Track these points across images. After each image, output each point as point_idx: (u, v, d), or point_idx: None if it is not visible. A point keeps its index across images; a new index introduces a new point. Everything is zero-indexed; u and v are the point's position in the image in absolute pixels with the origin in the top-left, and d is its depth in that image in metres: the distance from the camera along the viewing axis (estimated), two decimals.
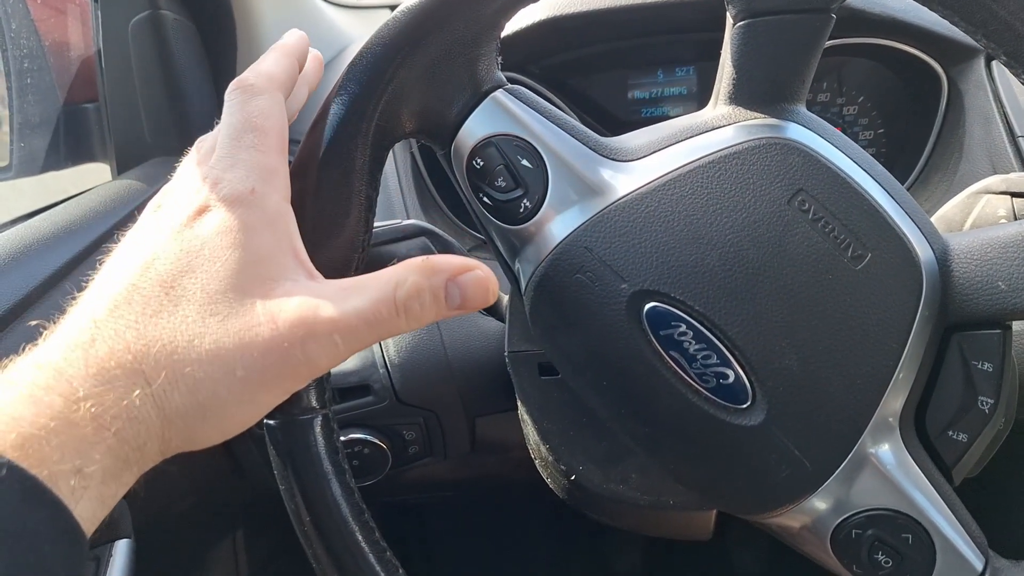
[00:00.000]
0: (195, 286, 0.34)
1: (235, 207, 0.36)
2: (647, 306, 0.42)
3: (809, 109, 0.85)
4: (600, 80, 0.88)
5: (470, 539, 1.31)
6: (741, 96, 0.44)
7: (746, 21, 0.41)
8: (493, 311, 0.62)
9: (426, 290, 0.36)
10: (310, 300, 0.35)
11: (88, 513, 0.30)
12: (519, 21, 0.79)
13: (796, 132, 0.42)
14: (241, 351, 0.33)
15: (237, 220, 0.35)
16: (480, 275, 0.37)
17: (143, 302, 0.34)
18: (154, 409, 0.33)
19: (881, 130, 0.87)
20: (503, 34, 0.46)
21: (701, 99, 0.88)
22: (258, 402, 0.35)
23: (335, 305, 0.35)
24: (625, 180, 0.44)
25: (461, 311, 0.37)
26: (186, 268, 0.34)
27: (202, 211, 0.36)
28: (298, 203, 0.41)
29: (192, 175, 0.38)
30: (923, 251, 0.42)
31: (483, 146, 0.44)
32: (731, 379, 0.42)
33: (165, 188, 0.40)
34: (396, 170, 0.81)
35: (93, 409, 0.31)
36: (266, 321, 0.34)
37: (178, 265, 0.34)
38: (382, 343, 0.73)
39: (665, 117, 0.90)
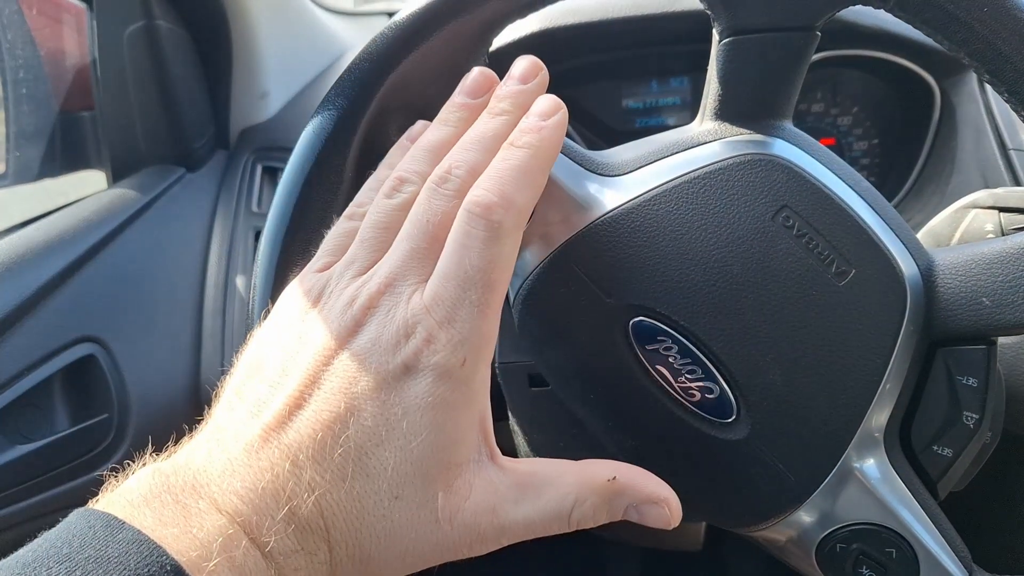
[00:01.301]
0: (388, 462, 0.33)
1: (443, 380, 0.33)
2: (633, 320, 0.43)
3: (803, 118, 0.86)
4: (594, 90, 0.88)
5: None
6: (727, 112, 0.44)
7: (731, 39, 0.42)
8: None
9: (603, 511, 0.37)
10: (487, 501, 0.34)
11: None
12: (511, 33, 0.79)
13: (781, 148, 0.43)
14: (416, 543, 0.33)
15: (441, 397, 0.33)
16: (666, 514, 0.37)
17: (340, 464, 0.32)
18: (327, 572, 0.32)
19: (875, 140, 0.88)
20: (495, 46, 0.46)
21: (696, 109, 0.88)
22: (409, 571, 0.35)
23: (509, 511, 0.35)
24: (611, 195, 0.44)
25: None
26: (383, 440, 0.33)
27: (408, 370, 0.33)
28: (284, 219, 0.41)
29: (396, 303, 0.34)
30: (907, 267, 0.42)
31: None
32: (716, 394, 0.42)
33: (345, 271, 0.37)
34: None
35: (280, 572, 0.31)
36: (444, 520, 0.33)
37: (375, 435, 0.33)
38: None
39: (660, 127, 0.91)
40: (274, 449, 0.32)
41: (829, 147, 0.87)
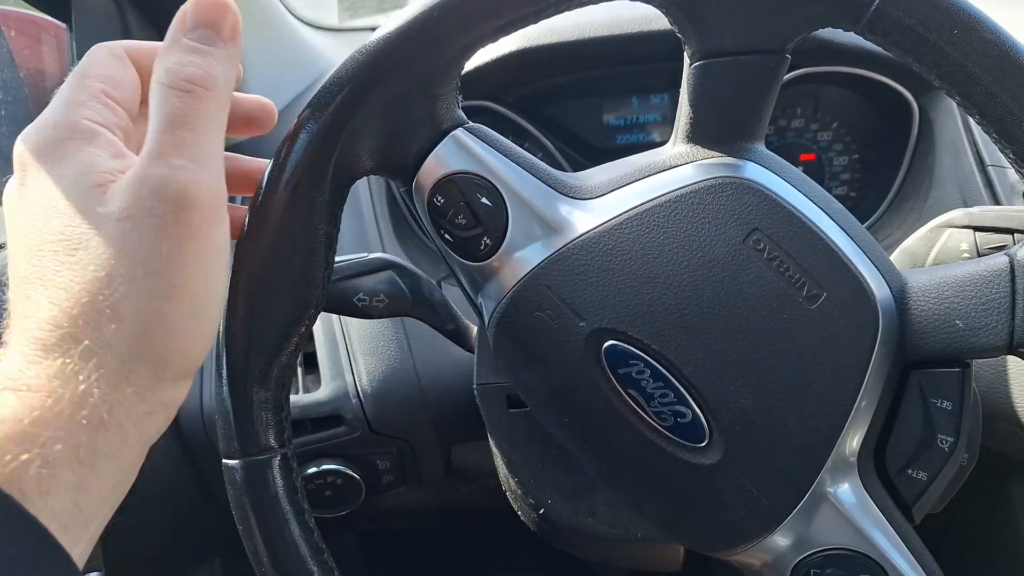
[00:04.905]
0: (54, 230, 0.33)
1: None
2: (605, 344, 0.42)
3: (784, 135, 0.86)
4: (575, 108, 0.88)
5: (453, 565, 1.30)
6: (699, 135, 0.44)
7: (701, 62, 0.42)
8: (463, 342, 0.62)
9: (182, 57, 0.35)
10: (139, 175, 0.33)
11: (60, 505, 0.30)
12: (489, 52, 0.79)
13: (752, 171, 0.43)
14: (144, 260, 0.32)
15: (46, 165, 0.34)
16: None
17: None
18: (111, 357, 0.32)
19: (856, 156, 0.88)
20: (474, 65, 0.46)
21: None
22: (193, 282, 0.34)
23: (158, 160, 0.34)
24: (584, 218, 0.44)
25: (217, 36, 0.36)
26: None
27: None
28: (257, 242, 0.41)
29: None
30: (880, 290, 0.42)
31: (443, 184, 0.44)
32: (688, 418, 0.42)
33: None
34: (371, 199, 0.81)
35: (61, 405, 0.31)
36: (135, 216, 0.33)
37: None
38: (355, 373, 0.73)
39: (641, 143, 0.91)
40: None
41: (809, 162, 0.88)
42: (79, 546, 0.31)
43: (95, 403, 0.31)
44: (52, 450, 0.29)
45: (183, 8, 0.37)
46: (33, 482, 0.29)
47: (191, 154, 0.34)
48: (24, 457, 0.29)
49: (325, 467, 0.73)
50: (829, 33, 0.77)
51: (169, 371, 0.34)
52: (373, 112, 0.42)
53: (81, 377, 0.31)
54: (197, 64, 0.35)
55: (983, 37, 0.37)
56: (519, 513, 0.61)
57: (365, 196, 0.80)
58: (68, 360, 0.31)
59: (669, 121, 0.90)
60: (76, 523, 0.30)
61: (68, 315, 0.32)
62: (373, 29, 0.44)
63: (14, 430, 0.29)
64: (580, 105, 0.88)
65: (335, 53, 1.08)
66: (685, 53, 0.43)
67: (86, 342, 0.32)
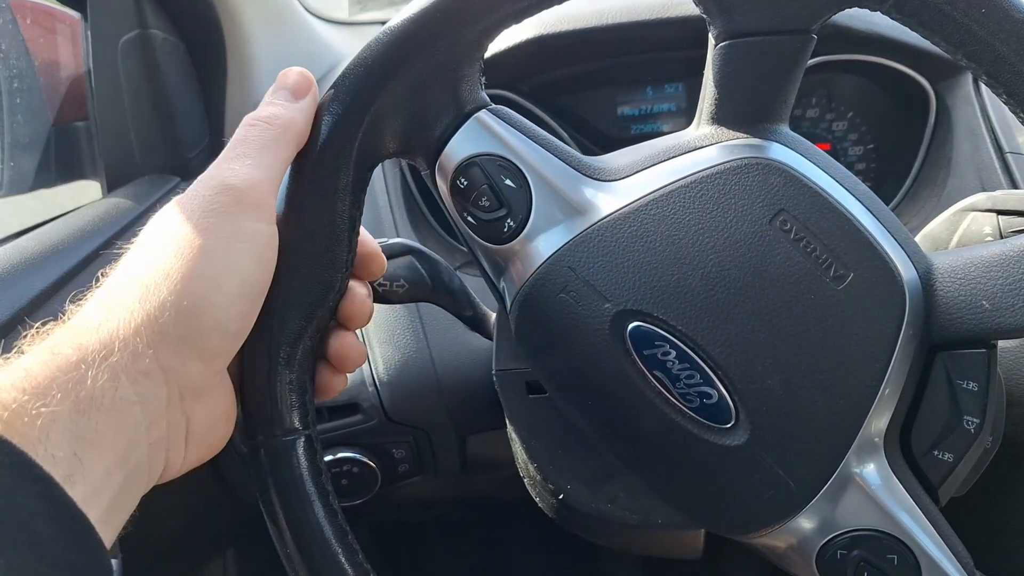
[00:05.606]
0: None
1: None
2: (630, 326, 0.42)
3: (798, 124, 0.86)
4: (589, 97, 0.88)
5: (466, 557, 1.30)
6: (723, 116, 0.44)
7: (727, 42, 0.41)
8: (481, 329, 0.62)
9: (262, 108, 0.42)
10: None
11: (60, 452, 0.31)
12: (506, 40, 0.79)
13: (778, 152, 0.42)
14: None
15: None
16: None
17: None
18: (118, 315, 0.35)
19: (871, 145, 0.88)
20: (490, 53, 0.46)
21: (690, 115, 0.88)
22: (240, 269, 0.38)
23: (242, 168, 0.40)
24: (608, 200, 0.44)
25: None
26: None
27: None
28: (281, 225, 0.41)
29: None
30: (906, 270, 0.41)
31: (466, 166, 0.44)
32: (714, 399, 0.42)
33: None
34: (385, 187, 0.81)
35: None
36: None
37: None
38: (371, 361, 0.73)
39: (655, 133, 0.90)
40: None
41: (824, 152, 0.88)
42: (93, 509, 0.32)
43: (92, 355, 0.34)
44: (52, 397, 0.32)
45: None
46: (30, 427, 0.31)
47: (239, 162, 0.40)
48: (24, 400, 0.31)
49: (341, 455, 0.73)
50: (844, 20, 0.77)
51: (173, 339, 0.36)
52: (397, 94, 0.42)
53: (88, 332, 0.35)
54: (265, 109, 0.42)
55: (1011, 16, 0.37)
56: (537, 500, 0.61)
57: (380, 184, 0.80)
58: (91, 315, 0.36)
59: (683, 112, 0.90)
60: (80, 476, 0.32)
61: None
62: (383, 22, 0.44)
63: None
64: (595, 95, 0.88)
65: (345, 46, 1.09)
66: (710, 34, 0.43)
67: (107, 303, 0.36)
